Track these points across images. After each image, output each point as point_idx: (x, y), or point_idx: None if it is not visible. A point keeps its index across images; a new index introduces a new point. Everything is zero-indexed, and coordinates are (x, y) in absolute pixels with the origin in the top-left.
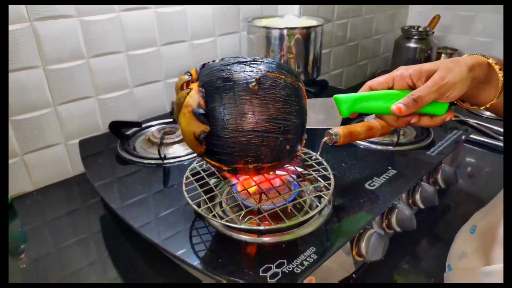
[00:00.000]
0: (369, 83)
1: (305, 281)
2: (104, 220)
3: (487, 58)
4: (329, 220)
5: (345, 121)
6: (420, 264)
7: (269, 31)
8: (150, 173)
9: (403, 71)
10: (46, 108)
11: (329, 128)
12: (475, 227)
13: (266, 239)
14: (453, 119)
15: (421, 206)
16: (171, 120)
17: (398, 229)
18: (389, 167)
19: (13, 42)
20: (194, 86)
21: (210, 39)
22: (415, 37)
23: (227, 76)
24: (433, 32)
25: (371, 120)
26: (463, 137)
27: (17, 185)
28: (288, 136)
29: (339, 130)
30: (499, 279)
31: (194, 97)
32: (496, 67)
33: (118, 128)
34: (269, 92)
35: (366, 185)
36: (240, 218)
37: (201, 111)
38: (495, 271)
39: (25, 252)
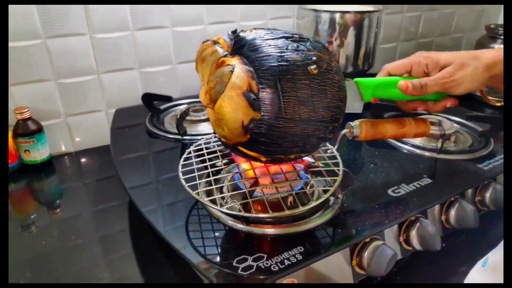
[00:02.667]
0: (387, 66)
1: (284, 282)
2: None
3: None
4: (331, 222)
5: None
6: None
7: (318, 15)
8: (169, 150)
9: (422, 59)
10: (90, 74)
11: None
12: (487, 260)
13: (253, 229)
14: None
15: (455, 226)
16: None
17: (418, 247)
18: (424, 175)
19: (63, 8)
20: (236, 62)
21: (261, 21)
22: (501, 37)
23: (280, 54)
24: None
25: (405, 118)
26: None
27: (59, 144)
28: (335, 124)
29: (361, 122)
30: None
31: (241, 77)
32: None
33: (150, 101)
34: (326, 76)
35: (389, 191)
36: (224, 201)
37: (253, 95)
38: None
39: (61, 207)
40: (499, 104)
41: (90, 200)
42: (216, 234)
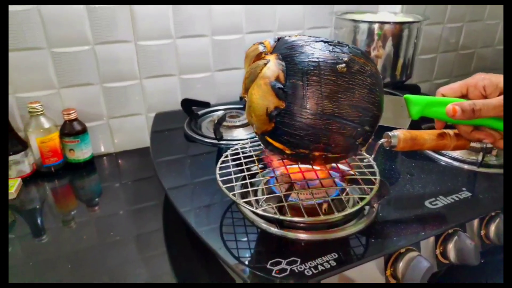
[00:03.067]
0: (442, 89)
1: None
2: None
3: None
4: (367, 230)
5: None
6: None
7: (356, 25)
8: (207, 154)
9: (479, 81)
10: (133, 79)
11: (392, 130)
12: None
13: (287, 233)
14: None
15: (496, 242)
16: (241, 106)
17: (455, 261)
18: (464, 189)
19: (112, 17)
20: (272, 57)
21: (298, 31)
22: None
23: (312, 52)
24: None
25: (445, 129)
26: None
27: (100, 145)
28: (365, 127)
29: (399, 133)
30: None
31: (272, 69)
32: None
33: (189, 106)
34: (356, 77)
35: (427, 203)
36: (259, 204)
37: (280, 85)
38: None
39: (99, 205)
40: None
41: (127, 199)
42: (250, 236)
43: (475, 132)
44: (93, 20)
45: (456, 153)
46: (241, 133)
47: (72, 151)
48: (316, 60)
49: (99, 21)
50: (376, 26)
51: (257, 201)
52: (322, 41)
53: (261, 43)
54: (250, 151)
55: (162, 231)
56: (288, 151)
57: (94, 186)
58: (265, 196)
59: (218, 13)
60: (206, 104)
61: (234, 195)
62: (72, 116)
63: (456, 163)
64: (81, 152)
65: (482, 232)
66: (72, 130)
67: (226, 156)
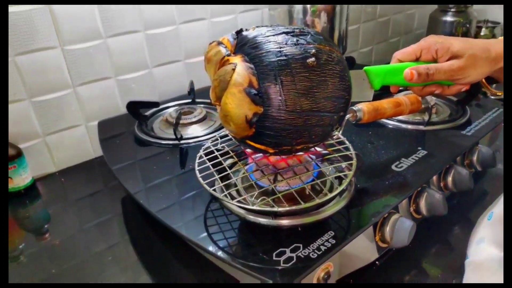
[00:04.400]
0: (397, 54)
1: (323, 267)
2: (125, 202)
3: None
4: (350, 203)
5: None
6: (450, 253)
7: (291, 6)
8: (167, 155)
9: (431, 45)
10: (65, 89)
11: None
12: (492, 214)
13: (281, 222)
14: (492, 97)
15: (454, 189)
16: (189, 100)
17: (427, 214)
18: (419, 148)
19: (30, 22)
20: (238, 60)
21: (231, 16)
22: (452, 10)
23: (279, 49)
24: (472, 4)
25: (399, 96)
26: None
27: (40, 166)
28: (340, 113)
29: (363, 106)
30: None
31: (242, 75)
32: None
33: (136, 109)
34: (326, 67)
35: (393, 167)
36: (253, 199)
37: (254, 91)
38: None
39: (50, 231)
40: (499, 93)
41: (79, 219)
42: (244, 234)
43: (426, 87)
44: (12, 28)
45: (402, 116)
46: (196, 130)
47: (10, 179)
48: (285, 58)
49: (15, 28)
50: (308, 5)
51: (250, 196)
52: (283, 32)
53: (220, 42)
54: (223, 147)
55: (129, 242)
56: (271, 150)
57: (40, 212)
58: (256, 192)
59: (148, 6)
60: (155, 104)
61: (226, 196)
62: None
63: (404, 125)
64: (20, 178)
65: (442, 183)
66: None
67: (201, 157)
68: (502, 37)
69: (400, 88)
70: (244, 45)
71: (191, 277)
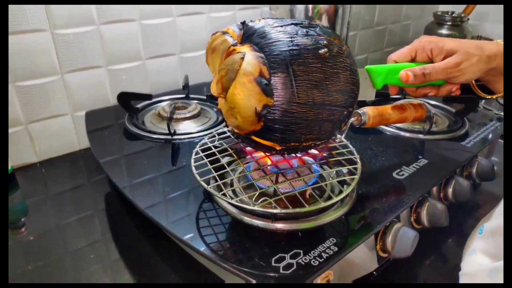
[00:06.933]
0: (393, 56)
1: (323, 275)
2: (109, 198)
3: None
4: (352, 209)
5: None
6: (444, 265)
7: (293, 6)
8: (158, 150)
9: (426, 45)
10: (53, 75)
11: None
12: (483, 228)
13: (280, 225)
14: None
15: (453, 201)
16: (183, 96)
17: (428, 225)
18: (420, 156)
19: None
20: (247, 49)
21: (230, 12)
22: (448, 23)
23: (290, 39)
24: (468, 19)
25: (404, 102)
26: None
27: (20, 155)
28: (350, 109)
29: (368, 110)
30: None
31: (253, 63)
32: None
33: (127, 100)
34: (338, 60)
35: (394, 174)
36: (253, 200)
37: (265, 80)
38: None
39: (26, 225)
40: (489, 96)
41: (58, 214)
42: (241, 237)
43: (420, 89)
44: None
45: (401, 124)
46: (190, 126)
47: None
48: (297, 47)
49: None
50: (310, 6)
51: (250, 197)
52: (292, 23)
53: (225, 32)
54: (221, 144)
55: (111, 240)
56: (278, 147)
57: (17, 204)
58: (257, 192)
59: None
60: (148, 97)
61: (224, 194)
62: None
63: (403, 133)
64: None
65: (441, 194)
66: None
67: (197, 153)
68: (495, 40)
69: (399, 96)
70: (251, 35)
71: (175, 277)
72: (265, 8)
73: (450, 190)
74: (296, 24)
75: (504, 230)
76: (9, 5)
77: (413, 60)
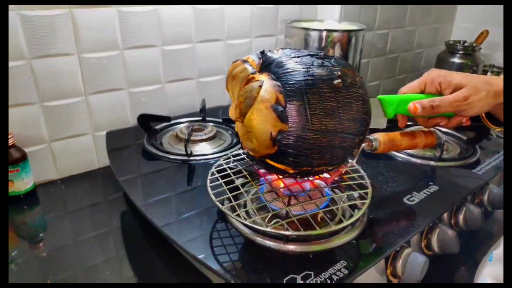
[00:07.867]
0: (403, 89)
1: None
2: (125, 216)
3: None
4: (362, 233)
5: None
6: None
7: (307, 33)
8: (175, 170)
9: (434, 78)
10: (77, 96)
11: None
12: (492, 255)
13: (292, 247)
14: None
15: (464, 228)
16: (200, 118)
17: (438, 251)
18: (431, 183)
19: (51, 27)
20: (265, 78)
21: (246, 40)
22: (460, 52)
23: (306, 70)
24: (480, 48)
25: (414, 130)
26: None
27: (43, 172)
28: (361, 137)
29: (379, 136)
30: None
31: (270, 91)
32: None
33: (147, 122)
34: (351, 90)
35: (405, 200)
36: (266, 221)
37: (281, 108)
38: None
39: (44, 240)
40: (498, 129)
41: (76, 230)
42: (253, 256)
43: (432, 119)
44: (29, 30)
45: (412, 150)
46: (206, 147)
47: (11, 182)
48: (312, 78)
49: (35, 31)
50: (324, 33)
51: (263, 218)
52: (308, 54)
53: (245, 61)
54: (236, 165)
55: (125, 257)
56: (291, 171)
57: (38, 219)
58: (270, 214)
59: (167, 22)
60: (166, 119)
61: (238, 215)
62: (10, 142)
63: (413, 159)
64: (22, 182)
65: (452, 221)
66: (10, 158)
67: (213, 174)
68: (503, 75)
69: (408, 123)
70: (269, 65)
71: None
72: (281, 36)
73: (461, 217)
74: (312, 55)
75: (504, 230)
76: (41, 30)
77: (422, 93)
